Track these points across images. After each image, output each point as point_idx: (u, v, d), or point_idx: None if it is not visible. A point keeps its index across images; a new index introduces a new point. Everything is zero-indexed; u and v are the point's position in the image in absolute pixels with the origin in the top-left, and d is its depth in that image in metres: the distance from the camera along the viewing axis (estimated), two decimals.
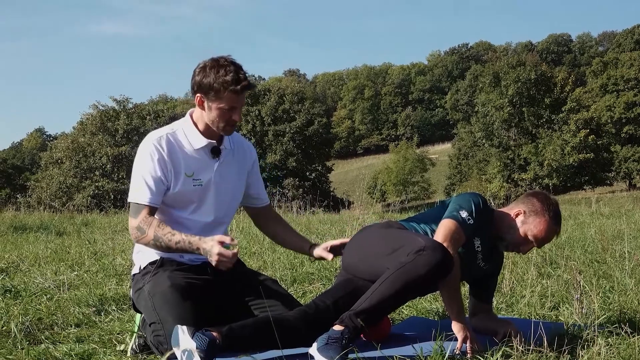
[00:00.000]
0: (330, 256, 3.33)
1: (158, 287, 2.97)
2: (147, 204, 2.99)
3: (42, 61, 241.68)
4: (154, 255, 3.13)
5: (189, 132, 3.14)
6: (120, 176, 39.54)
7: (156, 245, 2.96)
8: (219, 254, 2.80)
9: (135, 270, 3.20)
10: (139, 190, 3.01)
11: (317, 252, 3.37)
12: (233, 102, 3.03)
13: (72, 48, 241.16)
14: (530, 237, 3.15)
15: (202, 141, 3.13)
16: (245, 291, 3.15)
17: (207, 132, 3.15)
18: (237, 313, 3.04)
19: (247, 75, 3.08)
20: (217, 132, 3.14)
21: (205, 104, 3.07)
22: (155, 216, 3.03)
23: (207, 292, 3.06)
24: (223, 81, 2.98)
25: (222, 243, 2.83)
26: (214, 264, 2.83)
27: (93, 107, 44.65)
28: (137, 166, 3.07)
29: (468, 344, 2.88)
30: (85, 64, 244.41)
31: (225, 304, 3.12)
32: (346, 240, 3.32)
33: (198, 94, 3.07)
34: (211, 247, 2.83)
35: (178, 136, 3.13)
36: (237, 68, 3.03)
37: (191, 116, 3.19)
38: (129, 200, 3.04)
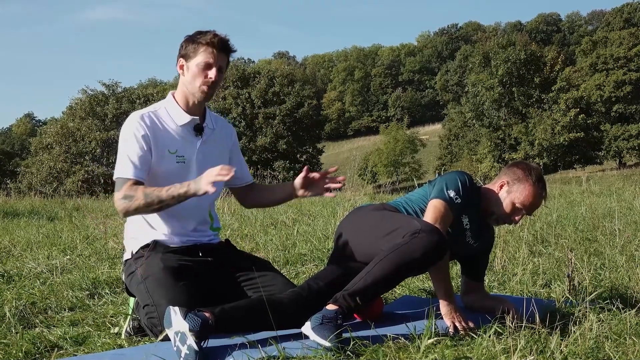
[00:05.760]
0: (301, 192, 3.27)
1: (150, 270, 2.97)
2: (131, 177, 2.97)
3: (31, 47, 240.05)
4: (145, 239, 3.12)
5: (171, 110, 3.16)
6: (110, 160, 39.39)
7: (146, 202, 2.90)
8: (216, 174, 2.73)
9: (127, 255, 3.20)
10: (124, 167, 2.99)
11: (299, 193, 3.30)
12: (209, 57, 3.06)
13: (60, 33, 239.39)
14: (518, 205, 3.18)
15: (185, 117, 3.14)
16: (238, 272, 3.16)
17: (188, 108, 3.16)
18: (230, 294, 3.05)
19: (227, 38, 3.14)
20: (197, 102, 3.15)
21: (185, 66, 3.12)
22: None
23: (200, 274, 3.07)
24: (202, 39, 3.07)
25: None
26: (210, 179, 2.74)
27: (82, 92, 44.42)
28: (121, 144, 3.06)
29: (458, 324, 2.90)
30: (74, 49, 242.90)
31: (219, 286, 3.13)
32: (322, 173, 3.24)
33: (180, 59, 3.13)
34: (202, 177, 2.80)
35: (160, 114, 3.14)
36: (218, 33, 3.11)
37: (173, 96, 3.21)
38: (114, 177, 3.02)
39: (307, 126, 48.44)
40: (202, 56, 3.06)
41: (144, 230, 3.16)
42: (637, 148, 51.92)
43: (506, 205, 3.20)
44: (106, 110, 42.42)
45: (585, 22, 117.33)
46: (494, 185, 3.27)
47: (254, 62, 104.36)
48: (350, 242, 3.12)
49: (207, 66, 3.07)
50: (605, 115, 53.49)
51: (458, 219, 3.16)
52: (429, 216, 2.99)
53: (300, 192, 3.26)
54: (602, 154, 53.57)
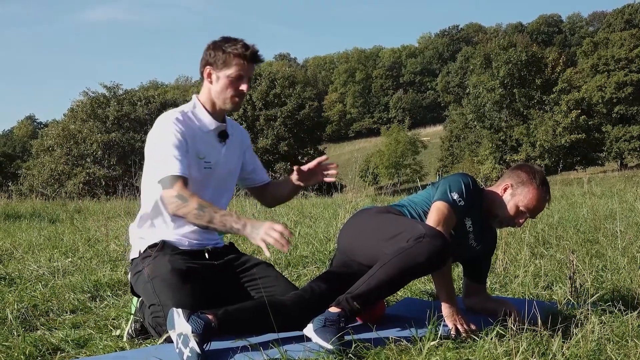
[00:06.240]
0: (302, 184, 3.40)
1: (158, 271, 2.96)
2: (180, 174, 2.91)
3: (31, 48, 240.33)
4: (153, 238, 3.12)
5: (199, 114, 3.14)
6: (111, 163, 39.44)
7: (197, 215, 2.82)
8: (274, 229, 2.66)
9: (134, 254, 3.19)
10: (170, 164, 2.92)
11: (300, 184, 3.40)
12: (241, 69, 3.04)
13: (61, 35, 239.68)
14: (522, 208, 3.18)
15: (213, 123, 3.14)
16: (241, 275, 3.16)
17: (214, 113, 3.16)
18: (235, 297, 3.05)
19: (256, 48, 3.11)
20: (224, 110, 3.15)
21: (214, 76, 3.09)
22: None
23: (206, 277, 3.07)
24: (232, 49, 3.03)
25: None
26: (268, 240, 2.65)
27: (83, 94, 44.44)
28: (159, 144, 2.99)
29: (459, 327, 2.90)
30: (74, 50, 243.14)
31: (224, 289, 3.13)
32: (314, 163, 3.34)
33: (207, 67, 3.09)
34: (262, 224, 2.72)
35: (190, 117, 3.12)
36: (247, 42, 3.08)
37: (198, 99, 3.19)
38: (159, 176, 2.93)
39: (308, 128, 48.40)
40: (233, 69, 3.04)
41: (152, 231, 3.15)
42: (638, 149, 51.85)
43: (510, 208, 3.19)
44: (107, 112, 42.41)
45: (586, 24, 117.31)
46: (497, 188, 3.27)
47: None
48: (353, 245, 3.12)
49: (239, 78, 3.07)
50: (607, 116, 53.42)
51: (461, 221, 3.15)
52: (432, 219, 2.99)
53: (301, 184, 3.37)
54: (604, 155, 53.49)
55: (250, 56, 3.05)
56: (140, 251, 3.15)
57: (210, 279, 3.09)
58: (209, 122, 3.14)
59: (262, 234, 2.67)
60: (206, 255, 3.14)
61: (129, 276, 3.21)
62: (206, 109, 3.15)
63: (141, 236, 3.18)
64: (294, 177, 3.34)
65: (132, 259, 3.20)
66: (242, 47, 3.04)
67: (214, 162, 3.13)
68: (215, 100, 3.13)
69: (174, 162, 2.92)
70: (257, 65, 3.15)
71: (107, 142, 40.00)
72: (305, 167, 3.34)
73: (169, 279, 2.91)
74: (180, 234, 3.13)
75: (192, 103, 3.18)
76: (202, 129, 3.12)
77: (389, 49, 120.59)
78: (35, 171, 39.79)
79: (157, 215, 3.13)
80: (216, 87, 3.09)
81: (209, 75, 3.10)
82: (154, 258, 3.04)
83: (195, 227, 3.09)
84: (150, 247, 3.12)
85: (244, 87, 3.08)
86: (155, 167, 2.98)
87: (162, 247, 3.08)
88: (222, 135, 3.19)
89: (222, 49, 3.05)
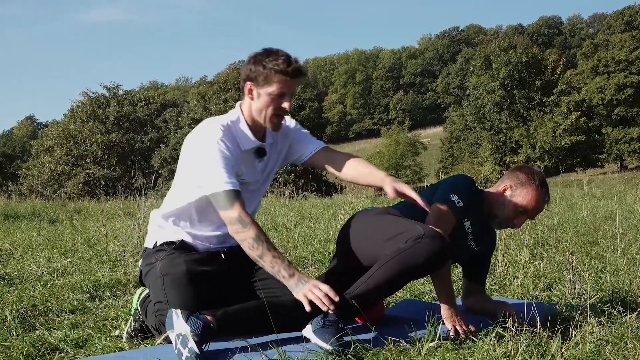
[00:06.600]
0: (391, 194, 2.97)
1: (172, 269, 2.94)
2: (233, 188, 2.81)
3: (32, 49, 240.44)
4: (173, 236, 3.09)
5: (240, 130, 3.02)
6: (111, 163, 39.48)
7: (249, 245, 2.78)
8: (319, 288, 2.68)
9: (149, 243, 3.15)
10: (221, 178, 2.82)
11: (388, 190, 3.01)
12: (283, 87, 2.91)
13: (61, 35, 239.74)
14: (521, 209, 3.19)
15: (252, 142, 3.03)
16: (252, 275, 3.13)
17: (255, 129, 3.05)
18: (244, 299, 3.01)
19: (299, 62, 2.96)
20: (264, 127, 3.04)
21: (255, 92, 2.96)
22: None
23: (219, 280, 3.04)
24: (274, 65, 2.88)
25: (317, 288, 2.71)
26: (310, 296, 2.67)
27: (83, 95, 44.58)
28: (206, 158, 2.87)
29: (459, 328, 2.90)
30: (74, 50, 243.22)
31: (234, 291, 3.07)
32: (419, 200, 2.94)
33: (248, 82, 2.97)
34: (309, 280, 2.72)
35: (232, 132, 3.00)
36: (289, 55, 2.93)
37: (242, 111, 3.07)
38: (210, 190, 2.83)
39: (308, 129, 48.14)
40: (275, 86, 2.90)
41: (173, 229, 3.11)
42: (638, 151, 51.91)
43: (509, 209, 3.20)
44: (107, 112, 42.49)
45: (586, 25, 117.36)
46: (496, 189, 3.27)
47: None
48: (352, 246, 3.11)
49: (281, 95, 2.93)
50: (607, 118, 53.47)
51: (460, 222, 3.15)
52: (431, 220, 2.98)
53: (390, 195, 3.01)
54: (604, 157, 53.52)
55: (293, 72, 2.90)
56: (156, 243, 3.11)
57: (223, 282, 3.06)
58: (249, 140, 3.03)
59: (306, 290, 2.68)
60: (222, 255, 3.10)
61: (140, 263, 3.18)
62: (248, 124, 3.04)
63: (161, 225, 3.14)
64: (390, 192, 2.98)
65: (146, 248, 3.17)
66: (283, 62, 2.89)
67: (250, 179, 3.07)
68: (256, 117, 3.01)
69: (225, 177, 2.82)
70: (300, 80, 2.98)
71: (107, 142, 40.07)
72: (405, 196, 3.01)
73: (180, 280, 2.89)
74: (201, 239, 3.10)
75: (237, 115, 3.06)
76: (242, 148, 3.01)
77: (389, 50, 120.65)
78: (35, 171, 39.86)
79: (184, 218, 3.09)
80: (257, 104, 2.97)
81: (250, 91, 2.97)
82: (170, 254, 3.01)
83: (217, 233, 3.07)
84: (166, 242, 3.08)
85: (286, 104, 2.95)
86: (202, 179, 2.88)
87: (180, 246, 3.05)
88: (260, 153, 3.10)
89: (263, 64, 2.90)
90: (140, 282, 3.23)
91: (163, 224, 3.13)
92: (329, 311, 2.64)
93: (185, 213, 3.07)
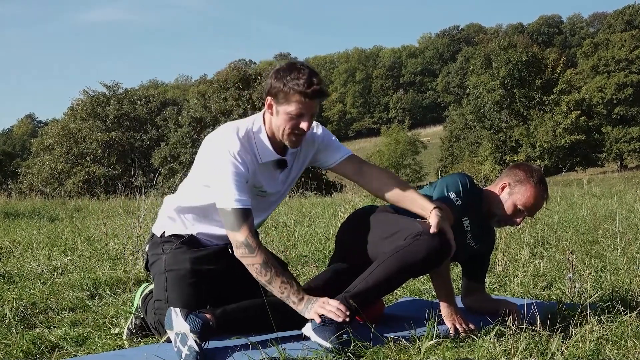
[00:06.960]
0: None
1: (176, 265, 2.93)
2: (243, 207, 2.76)
3: (32, 49, 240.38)
4: (182, 230, 3.07)
5: (260, 143, 2.96)
6: (110, 161, 39.48)
7: (259, 271, 2.73)
8: (329, 303, 2.67)
9: (157, 231, 3.13)
10: (231, 193, 2.77)
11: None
12: (302, 107, 2.82)
13: (61, 35, 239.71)
14: (520, 207, 3.19)
15: (272, 155, 2.97)
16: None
17: (275, 143, 2.98)
18: (248, 296, 2.99)
19: (321, 81, 2.86)
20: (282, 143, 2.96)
21: (274, 108, 2.89)
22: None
23: (224, 278, 3.03)
24: (294, 84, 2.79)
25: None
26: (321, 311, 2.66)
27: (83, 93, 44.58)
28: (220, 171, 2.82)
29: (458, 326, 2.90)
30: (74, 49, 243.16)
31: (238, 289, 3.03)
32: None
33: (268, 97, 2.90)
34: (317, 299, 2.71)
35: (252, 143, 2.94)
36: (312, 73, 2.84)
37: (264, 122, 3.00)
38: (221, 204, 2.79)
39: None
40: (294, 106, 2.82)
41: (182, 221, 3.09)
42: (638, 150, 51.89)
43: (508, 207, 3.20)
44: (107, 111, 42.50)
45: (586, 24, 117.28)
46: (495, 187, 3.28)
47: (255, 63, 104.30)
48: (351, 244, 3.11)
49: (299, 116, 2.84)
50: (607, 117, 53.43)
51: (459, 220, 3.15)
52: None
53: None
54: (604, 156, 53.49)
55: (312, 94, 2.80)
56: (164, 233, 3.09)
57: (225, 280, 3.04)
58: (268, 153, 2.97)
59: (317, 307, 2.67)
60: (230, 251, 3.04)
61: (147, 249, 3.17)
62: (269, 136, 2.97)
63: (172, 217, 3.11)
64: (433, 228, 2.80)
65: (153, 235, 3.16)
66: (304, 83, 2.79)
67: (270, 190, 3.04)
68: (275, 132, 2.95)
69: (236, 194, 2.77)
70: (320, 100, 2.89)
71: (107, 141, 40.06)
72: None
73: (183, 279, 2.89)
74: (209, 236, 3.08)
75: (259, 125, 2.98)
76: (260, 160, 2.95)
77: (389, 49, 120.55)
78: (35, 170, 39.88)
79: (195, 215, 3.07)
80: (276, 120, 2.90)
81: (270, 106, 2.91)
82: (176, 249, 2.99)
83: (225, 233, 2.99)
84: (175, 236, 3.06)
85: (304, 125, 2.85)
86: (214, 190, 2.85)
87: (188, 241, 3.03)
88: (281, 164, 3.04)
89: (284, 81, 2.81)
90: (146, 268, 3.22)
91: (174, 216, 3.11)
92: (345, 321, 2.62)
93: (196, 210, 3.05)
